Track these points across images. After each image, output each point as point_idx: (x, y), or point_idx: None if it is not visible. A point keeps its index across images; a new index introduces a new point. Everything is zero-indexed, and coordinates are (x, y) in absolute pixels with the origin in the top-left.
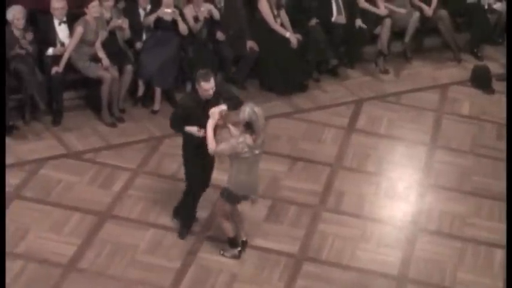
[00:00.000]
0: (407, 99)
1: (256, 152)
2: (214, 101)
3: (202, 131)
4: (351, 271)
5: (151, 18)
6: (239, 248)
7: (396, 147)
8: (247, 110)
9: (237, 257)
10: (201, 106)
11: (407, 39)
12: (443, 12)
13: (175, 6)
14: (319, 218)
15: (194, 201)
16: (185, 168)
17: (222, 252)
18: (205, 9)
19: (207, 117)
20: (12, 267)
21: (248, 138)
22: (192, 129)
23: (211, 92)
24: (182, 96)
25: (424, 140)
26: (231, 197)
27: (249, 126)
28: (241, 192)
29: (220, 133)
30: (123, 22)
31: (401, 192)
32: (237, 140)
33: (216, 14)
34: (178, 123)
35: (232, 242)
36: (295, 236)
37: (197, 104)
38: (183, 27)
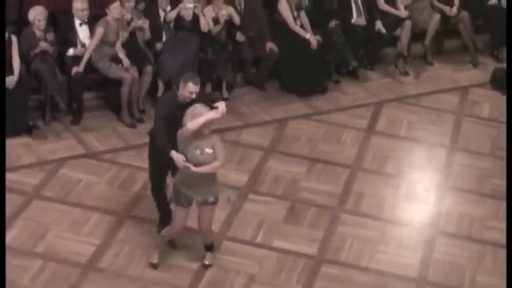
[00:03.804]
0: (427, 101)
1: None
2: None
3: (187, 164)
4: (370, 273)
5: (173, 13)
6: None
7: (416, 149)
8: None
9: (153, 266)
10: (180, 108)
11: (427, 41)
12: (465, 14)
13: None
14: (338, 220)
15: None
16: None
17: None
18: (226, 11)
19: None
20: (31, 266)
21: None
22: (179, 158)
23: (193, 95)
24: (160, 97)
25: (444, 142)
26: (175, 192)
27: None
28: (183, 187)
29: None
30: (144, 23)
31: (420, 195)
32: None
33: (237, 19)
34: (163, 137)
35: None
36: (314, 238)
37: (176, 106)
38: (203, 23)
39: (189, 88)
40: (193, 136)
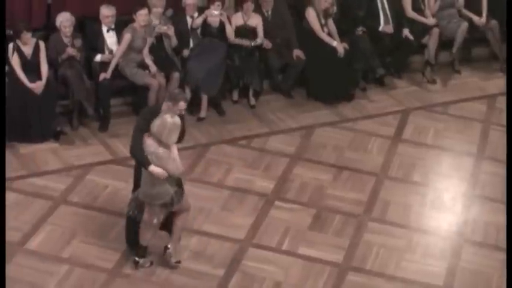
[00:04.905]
0: (455, 110)
1: None
2: None
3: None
4: (395, 281)
5: (200, 20)
6: (146, 260)
7: (443, 157)
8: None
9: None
10: None
11: (455, 49)
12: (494, 22)
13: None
14: (364, 228)
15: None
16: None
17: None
18: (256, 21)
19: None
20: (58, 271)
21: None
22: (159, 172)
23: (183, 112)
24: (143, 110)
25: (471, 150)
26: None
27: None
28: (171, 185)
29: None
30: (169, 29)
31: (447, 203)
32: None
33: (261, 34)
34: (141, 151)
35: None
36: (339, 245)
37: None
38: (229, 31)
39: (180, 106)
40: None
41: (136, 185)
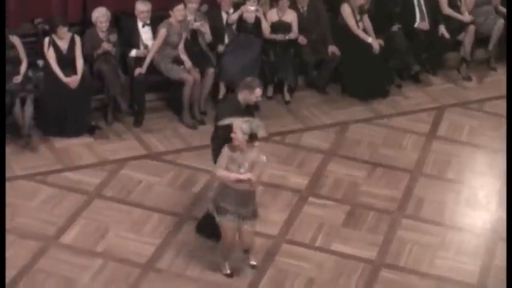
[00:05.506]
0: (490, 107)
1: None
2: (250, 109)
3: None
4: (429, 279)
5: (235, 15)
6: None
7: (477, 155)
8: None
9: (228, 275)
10: (238, 112)
11: (491, 46)
12: None
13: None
14: (398, 225)
15: None
16: None
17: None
18: (292, 17)
19: None
20: (92, 265)
21: None
22: (230, 176)
23: (259, 98)
24: (220, 103)
25: (506, 148)
26: (214, 206)
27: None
28: (222, 201)
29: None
30: (202, 25)
31: (481, 200)
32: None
33: (295, 30)
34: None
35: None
36: (373, 242)
37: (236, 110)
38: (265, 27)
39: (257, 93)
40: (232, 151)
41: None
